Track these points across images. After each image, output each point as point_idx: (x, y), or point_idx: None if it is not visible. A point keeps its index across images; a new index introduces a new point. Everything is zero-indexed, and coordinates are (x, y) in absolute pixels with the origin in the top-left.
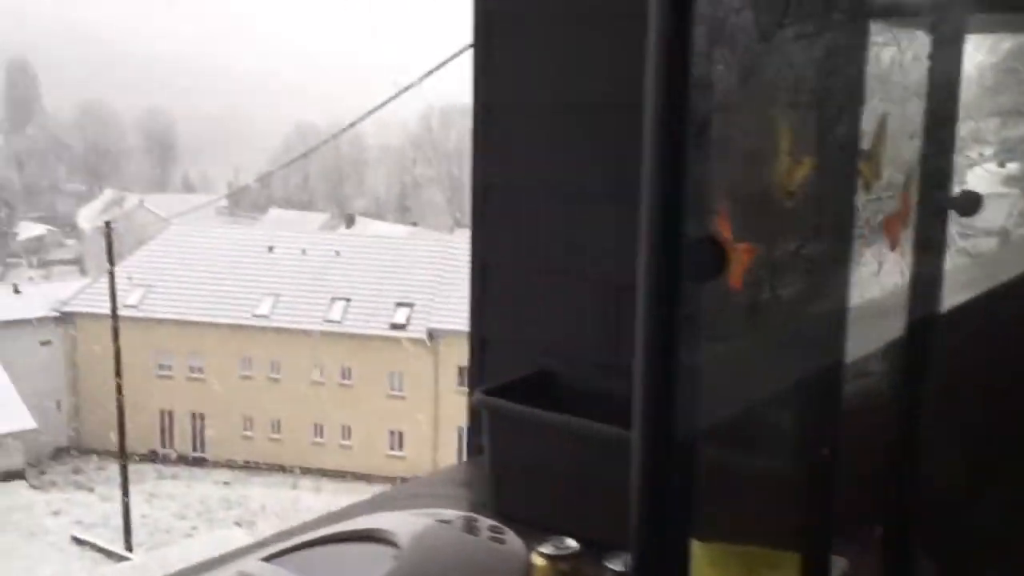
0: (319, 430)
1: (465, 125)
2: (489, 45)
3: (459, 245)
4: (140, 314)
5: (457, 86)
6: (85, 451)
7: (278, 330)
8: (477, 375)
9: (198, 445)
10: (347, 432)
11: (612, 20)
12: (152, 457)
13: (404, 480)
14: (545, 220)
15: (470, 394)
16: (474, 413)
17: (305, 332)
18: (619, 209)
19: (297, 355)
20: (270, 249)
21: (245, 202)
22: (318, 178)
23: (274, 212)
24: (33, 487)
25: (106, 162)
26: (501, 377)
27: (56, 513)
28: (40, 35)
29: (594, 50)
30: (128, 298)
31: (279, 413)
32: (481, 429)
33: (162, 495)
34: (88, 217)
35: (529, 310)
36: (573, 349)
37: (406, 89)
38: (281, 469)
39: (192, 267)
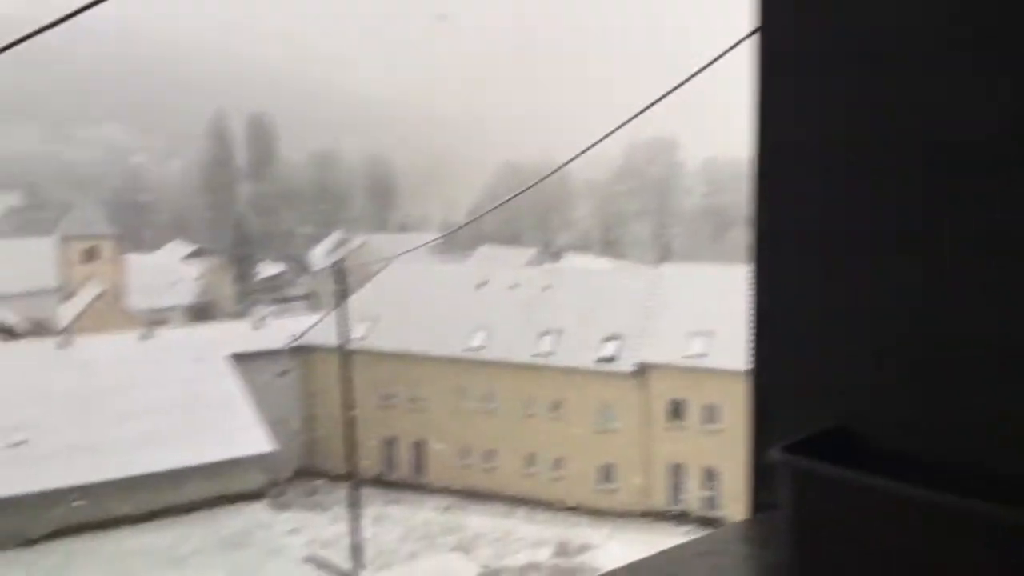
0: (532, 460)
1: (668, 158)
2: (773, 83)
3: (666, 278)
4: (366, 346)
5: (661, 120)
6: (319, 474)
7: (491, 362)
8: (761, 427)
9: (420, 471)
10: (558, 463)
11: (912, 56)
12: (378, 481)
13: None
14: (834, 266)
15: (756, 448)
16: (760, 467)
17: (516, 365)
18: (929, 253)
19: (509, 387)
20: (481, 284)
21: (457, 239)
22: (524, 213)
23: (484, 248)
24: (273, 507)
25: (334, 206)
26: (786, 431)
27: (293, 532)
28: (276, 89)
29: (901, 85)
30: (355, 331)
31: (494, 442)
32: (772, 485)
33: (388, 518)
34: (318, 257)
35: (820, 360)
36: (869, 403)
37: (622, 126)
38: (496, 497)
39: (411, 302)
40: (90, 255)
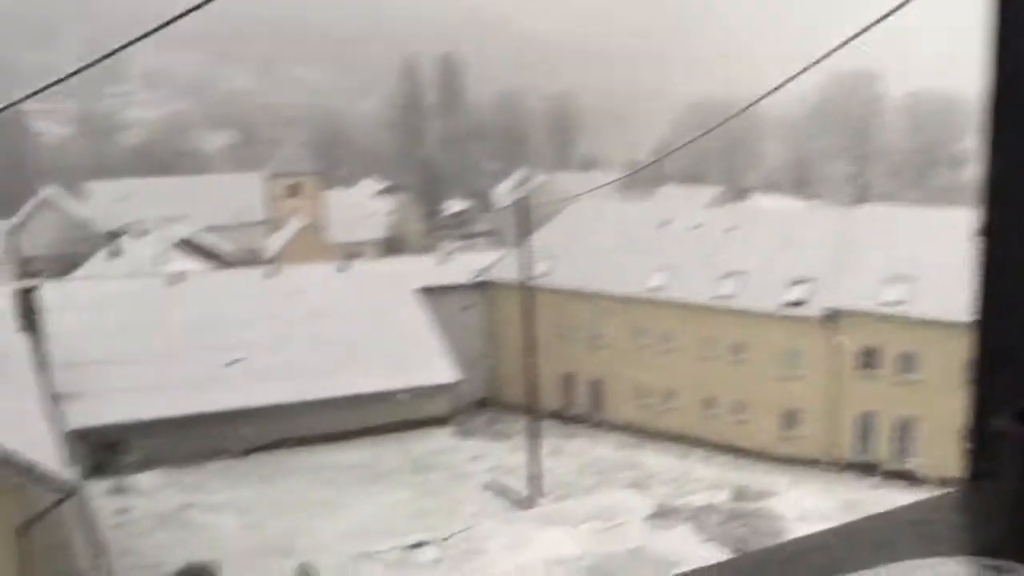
0: (710, 403)
1: (867, 93)
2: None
3: (862, 220)
4: (547, 284)
5: (860, 52)
6: (500, 405)
7: (670, 303)
8: (984, 387)
9: (596, 408)
10: (739, 407)
11: None
12: (556, 415)
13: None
14: None
15: (977, 410)
16: (980, 432)
17: (696, 306)
18: None
19: (688, 328)
20: (663, 224)
21: (639, 178)
22: (710, 151)
23: (667, 187)
24: (457, 434)
25: (518, 144)
26: (1014, 393)
27: (476, 459)
28: (463, 30)
29: None
30: (537, 268)
31: (672, 383)
32: (993, 453)
33: (565, 452)
34: (503, 194)
35: None
36: None
37: (818, 61)
38: (672, 438)
39: (591, 241)
40: (294, 190)
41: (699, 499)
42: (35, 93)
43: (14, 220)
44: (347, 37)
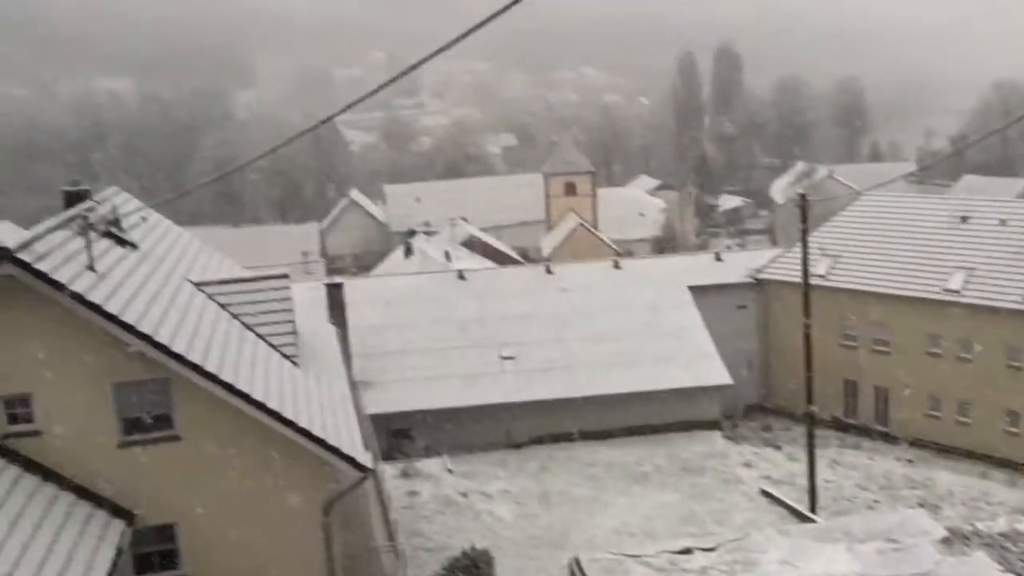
0: (1016, 418)
1: None
2: None
3: None
4: (827, 283)
5: None
6: (773, 410)
7: (970, 306)
8: None
9: (881, 418)
10: None
11: None
12: (835, 424)
13: None
14: None
15: None
16: None
17: (1002, 311)
18: None
19: (991, 335)
20: (963, 219)
21: (936, 169)
22: (1018, 138)
23: (967, 179)
24: (727, 438)
25: (797, 136)
26: None
27: (747, 465)
28: (741, 20)
29: None
30: (816, 267)
31: (968, 395)
32: None
33: (844, 463)
34: (780, 189)
35: None
36: None
37: None
38: (969, 455)
39: (880, 238)
40: (569, 189)
41: (1000, 524)
42: (349, 107)
43: (326, 222)
44: (622, 36)
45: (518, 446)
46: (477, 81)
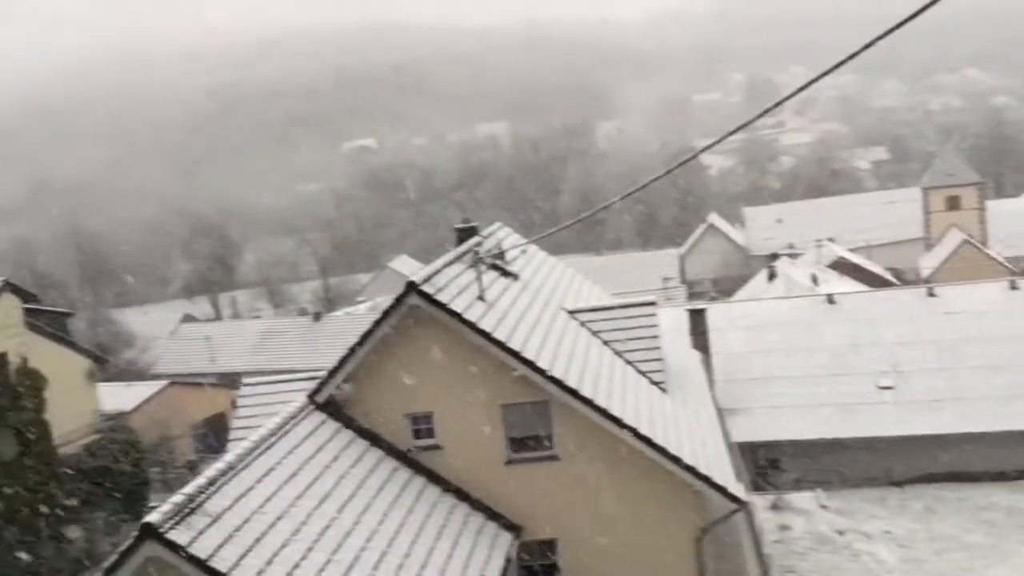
0: None
1: None
2: None
3: None
4: None
5: None
6: None
7: None
8: None
9: None
10: None
11: None
12: None
13: None
14: None
15: None
16: None
17: None
18: None
19: None
20: None
21: None
22: None
23: None
24: None
25: None
26: None
27: None
28: None
29: None
30: None
31: None
32: None
33: None
34: None
35: None
36: None
37: None
38: None
39: None
40: (952, 203)
41: None
42: (728, 135)
43: (685, 247)
44: (1016, 31)
45: (899, 483)
46: (842, 95)
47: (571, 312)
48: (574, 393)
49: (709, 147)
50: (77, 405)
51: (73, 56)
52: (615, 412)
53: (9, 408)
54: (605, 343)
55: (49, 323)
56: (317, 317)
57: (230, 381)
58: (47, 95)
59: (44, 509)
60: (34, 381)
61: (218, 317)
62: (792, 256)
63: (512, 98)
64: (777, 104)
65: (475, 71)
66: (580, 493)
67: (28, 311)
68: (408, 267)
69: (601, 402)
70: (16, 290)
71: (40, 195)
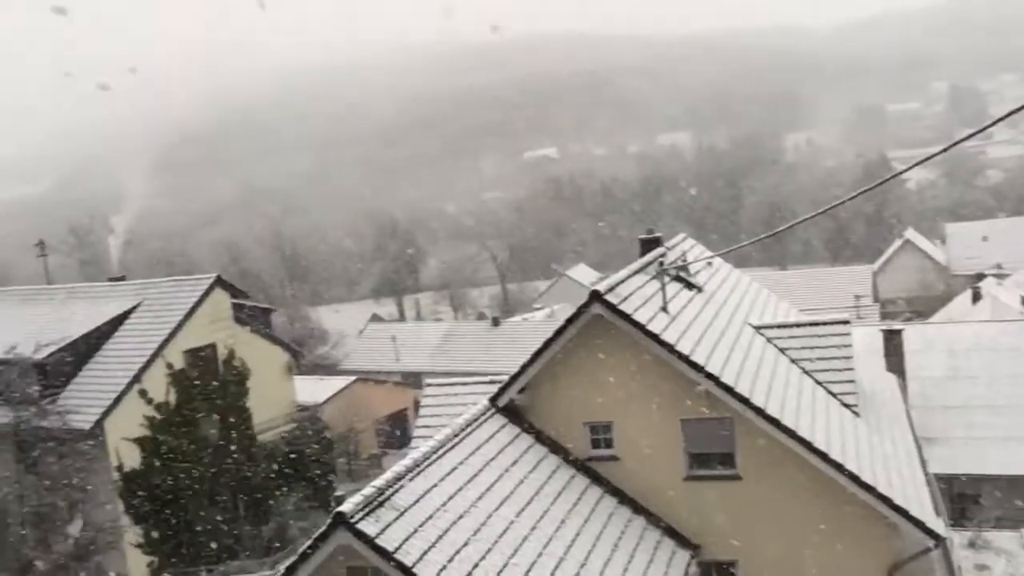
0: None
1: None
2: None
3: None
4: None
5: None
6: None
7: None
8: None
9: None
10: None
11: None
12: None
13: None
14: None
15: None
16: None
17: None
18: None
19: None
20: None
21: None
22: None
23: None
24: None
25: None
26: None
27: None
28: None
29: None
30: None
31: None
32: None
33: None
34: None
35: None
36: None
37: None
38: None
39: None
40: None
41: None
42: (947, 147)
43: (878, 263)
44: None
45: None
46: None
47: (757, 328)
48: (760, 411)
49: (916, 165)
50: (275, 395)
51: (280, 68)
52: (803, 434)
53: (216, 395)
54: (793, 361)
55: (254, 318)
56: (496, 322)
57: (412, 380)
58: (256, 105)
59: (243, 492)
60: (239, 371)
61: (402, 318)
62: (999, 277)
63: (695, 108)
64: (1002, 119)
65: (657, 81)
66: (763, 516)
67: (235, 306)
68: (586, 276)
69: (789, 422)
70: (225, 286)
71: (248, 200)
